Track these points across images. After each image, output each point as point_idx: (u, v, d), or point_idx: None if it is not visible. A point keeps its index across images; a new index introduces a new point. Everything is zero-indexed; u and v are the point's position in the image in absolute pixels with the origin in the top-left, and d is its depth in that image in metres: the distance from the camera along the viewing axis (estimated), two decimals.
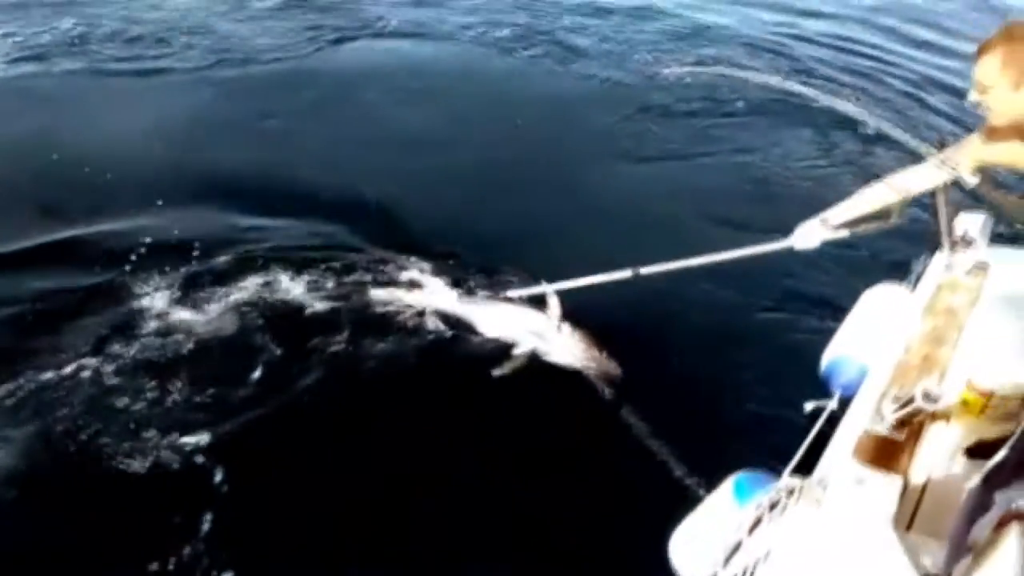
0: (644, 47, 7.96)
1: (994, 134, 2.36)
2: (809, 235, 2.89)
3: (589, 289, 3.52)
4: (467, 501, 2.87)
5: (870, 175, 5.30)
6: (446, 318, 3.72)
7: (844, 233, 2.86)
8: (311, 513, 2.77)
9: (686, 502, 2.37)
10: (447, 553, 2.70)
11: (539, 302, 3.66)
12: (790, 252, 2.99)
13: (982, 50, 2.16)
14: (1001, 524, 1.45)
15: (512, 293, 3.78)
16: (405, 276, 3.96)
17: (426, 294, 3.84)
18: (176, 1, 8.13)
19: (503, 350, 3.55)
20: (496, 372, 3.39)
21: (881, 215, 2.82)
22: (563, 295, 3.60)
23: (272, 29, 7.62)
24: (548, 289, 3.62)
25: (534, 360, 3.49)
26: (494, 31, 8.01)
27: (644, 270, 3.37)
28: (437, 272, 4.00)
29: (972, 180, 2.45)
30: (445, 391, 3.37)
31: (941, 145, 2.59)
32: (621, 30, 8.47)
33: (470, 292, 3.87)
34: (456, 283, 3.91)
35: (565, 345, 3.49)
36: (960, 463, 2.20)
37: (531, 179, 5.22)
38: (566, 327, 3.52)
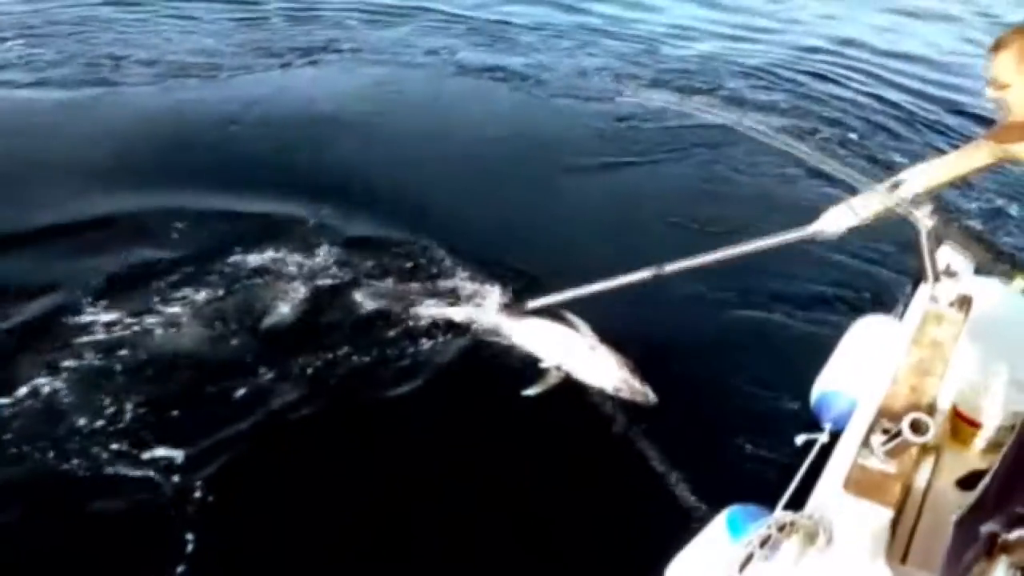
0: (602, 68, 8.10)
1: (1010, 131, 2.31)
2: (834, 222, 2.76)
3: (589, 299, 3.48)
4: (462, 512, 2.87)
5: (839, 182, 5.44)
6: (457, 327, 3.72)
7: (868, 219, 2.74)
8: (315, 523, 2.75)
9: (684, 530, 2.38)
10: (437, 565, 2.70)
11: (556, 315, 3.61)
12: (810, 244, 2.90)
13: (997, 47, 2.16)
14: (988, 556, 1.46)
15: (532, 304, 3.67)
16: (405, 280, 3.98)
17: (429, 301, 3.83)
18: (129, 21, 8.16)
19: (529, 365, 3.51)
20: (529, 392, 3.34)
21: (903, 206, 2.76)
22: (569, 303, 3.57)
23: (234, 47, 7.65)
24: (562, 298, 3.55)
25: (562, 378, 3.44)
26: (454, 53, 8.09)
27: (668, 267, 3.22)
28: (430, 277, 4.04)
29: (928, 223, 2.46)
30: (448, 401, 3.36)
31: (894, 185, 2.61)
32: (577, 51, 8.59)
33: (484, 303, 3.83)
34: (454, 293, 3.91)
35: (599, 365, 3.40)
36: (953, 495, 2.21)
37: (506, 191, 5.31)
38: (601, 346, 3.46)
